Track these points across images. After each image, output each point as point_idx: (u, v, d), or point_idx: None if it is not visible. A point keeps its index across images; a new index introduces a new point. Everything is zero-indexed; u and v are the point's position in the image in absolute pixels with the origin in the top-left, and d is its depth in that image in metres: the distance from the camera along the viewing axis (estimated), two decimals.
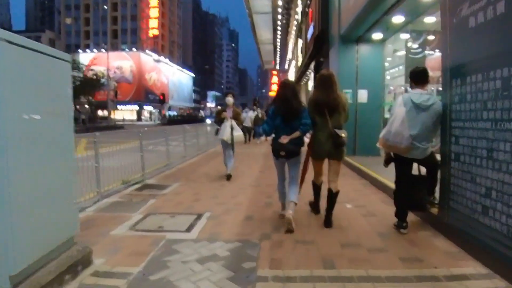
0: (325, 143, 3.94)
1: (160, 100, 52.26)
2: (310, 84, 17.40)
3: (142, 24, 77.05)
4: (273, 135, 4.12)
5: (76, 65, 52.64)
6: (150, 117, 74.59)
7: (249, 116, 15.25)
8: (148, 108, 74.50)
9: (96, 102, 62.03)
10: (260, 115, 15.24)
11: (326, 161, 4.21)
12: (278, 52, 27.03)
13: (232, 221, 4.30)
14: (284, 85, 4.13)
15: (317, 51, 12.47)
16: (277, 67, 35.85)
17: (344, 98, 4.07)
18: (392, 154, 3.93)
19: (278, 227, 4.03)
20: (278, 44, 24.08)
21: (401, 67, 10.25)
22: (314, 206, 4.55)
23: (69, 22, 76.19)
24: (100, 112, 66.61)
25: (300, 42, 19.60)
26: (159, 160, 8.52)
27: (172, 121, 48.79)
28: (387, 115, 9.72)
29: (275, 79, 53.02)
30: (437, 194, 3.92)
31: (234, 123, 6.72)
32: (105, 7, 74.02)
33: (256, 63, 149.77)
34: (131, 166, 6.72)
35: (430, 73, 3.93)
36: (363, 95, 9.22)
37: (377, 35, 8.63)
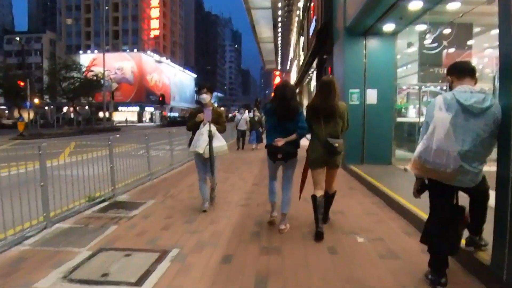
0: (319, 151, 3.83)
1: (159, 101, 51.32)
2: (313, 84, 16.28)
3: (143, 24, 76.26)
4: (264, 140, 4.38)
5: (75, 66, 52.17)
6: (152, 119, 73.76)
7: (243, 118, 13.55)
8: (149, 109, 73.61)
9: (97, 103, 61.46)
10: (256, 118, 13.65)
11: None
12: (280, 51, 25.88)
13: (203, 266, 3.18)
14: (283, 84, 4.05)
15: (320, 47, 11.36)
16: (279, 67, 34.74)
17: (342, 106, 3.92)
18: (426, 179, 2.79)
19: (265, 276, 2.92)
20: (280, 42, 22.94)
21: (413, 65, 9.15)
22: (316, 232, 3.80)
23: (70, 22, 75.65)
24: (101, 114, 65.97)
25: (302, 40, 18.50)
26: (140, 170, 7.43)
27: (172, 122, 47.80)
28: (401, 119, 8.62)
29: (278, 79, 52.19)
30: (484, 234, 2.82)
31: (214, 129, 4.82)
32: (106, 8, 73.43)
33: (259, 64, 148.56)
34: (103, 178, 5.63)
35: None
36: (372, 96, 8.09)
37: (388, 26, 7.50)
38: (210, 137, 4.80)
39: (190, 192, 6.21)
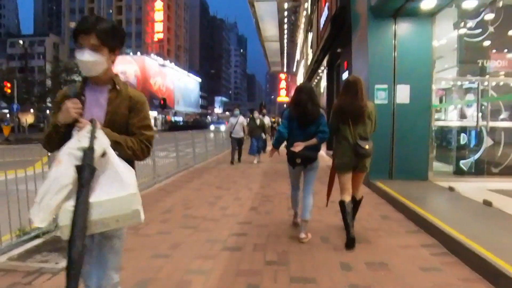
0: (348, 154, 3.62)
1: (160, 105, 49.83)
2: (323, 85, 14.59)
3: (147, 27, 75.31)
4: (284, 143, 3.94)
5: (77, 69, 51.17)
6: (155, 123, 72.50)
7: (239, 122, 10.40)
8: (153, 113, 72.31)
9: None
10: (258, 122, 10.96)
11: None
12: (286, 51, 24.18)
13: None
14: (300, 89, 3.83)
15: (333, 39, 9.70)
16: (285, 69, 33.01)
17: (371, 106, 3.72)
18: None
19: None
20: (285, 41, 21.23)
21: (451, 55, 7.45)
22: (347, 239, 3.55)
23: (73, 26, 74.85)
24: None
25: (310, 36, 16.87)
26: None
27: (174, 127, 46.34)
28: (440, 123, 6.91)
29: (283, 84, 50.61)
30: None
31: (105, 146, 1.53)
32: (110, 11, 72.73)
33: (265, 69, 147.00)
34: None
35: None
36: (403, 93, 6.39)
37: (427, 3, 5.82)
38: (85, 175, 1.46)
39: (163, 222, 4.54)
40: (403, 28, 6.44)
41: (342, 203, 3.65)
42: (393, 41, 6.43)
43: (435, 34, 6.44)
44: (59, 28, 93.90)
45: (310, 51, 16.96)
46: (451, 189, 5.62)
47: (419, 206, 4.57)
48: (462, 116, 7.15)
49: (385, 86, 6.38)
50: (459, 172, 6.98)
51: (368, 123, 3.68)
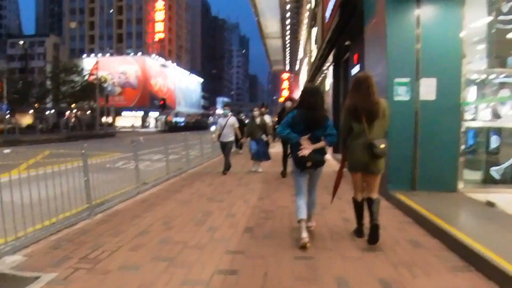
0: (362, 154, 3.51)
1: (160, 106, 48.98)
2: (328, 83, 13.59)
3: (148, 27, 74.51)
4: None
5: (75, 69, 50.46)
6: (156, 124, 71.64)
7: (230, 124, 8.72)
8: (154, 114, 71.39)
9: (100, 108, 59.59)
10: (258, 121, 9.14)
11: None
12: (288, 49, 23.08)
13: None
14: (311, 91, 3.76)
15: (341, 30, 8.71)
16: (287, 67, 31.90)
17: (384, 103, 3.58)
18: None
19: None
20: (288, 38, 20.13)
21: (480, 45, 6.45)
22: (357, 228, 3.81)
23: (74, 26, 74.27)
24: (103, 119, 64.08)
25: (315, 32, 15.89)
26: (81, 197, 4.82)
27: (173, 128, 45.45)
28: (472, 123, 5.90)
29: (285, 84, 49.53)
30: None
31: None
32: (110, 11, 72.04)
33: (267, 70, 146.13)
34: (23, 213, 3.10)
35: None
36: (428, 88, 5.38)
37: None
38: None
39: (133, 250, 3.56)
40: (428, 13, 5.43)
41: (355, 200, 3.78)
42: (416, 27, 5.42)
43: (465, 19, 5.44)
44: (61, 29, 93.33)
45: (314, 47, 15.97)
46: (490, 204, 4.61)
47: (460, 230, 3.57)
48: (495, 115, 6.13)
49: (407, 80, 5.38)
50: (489, 181, 5.96)
51: (382, 120, 3.55)
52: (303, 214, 3.62)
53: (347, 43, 9.15)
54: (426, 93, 5.37)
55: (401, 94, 5.36)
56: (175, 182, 7.56)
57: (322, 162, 3.70)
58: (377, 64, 5.91)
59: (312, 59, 15.88)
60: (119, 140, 22.75)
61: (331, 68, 12.77)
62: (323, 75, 15.09)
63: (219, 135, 8.79)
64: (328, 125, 3.64)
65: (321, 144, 3.60)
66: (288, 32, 19.07)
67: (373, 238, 3.43)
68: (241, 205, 5.47)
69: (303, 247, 3.48)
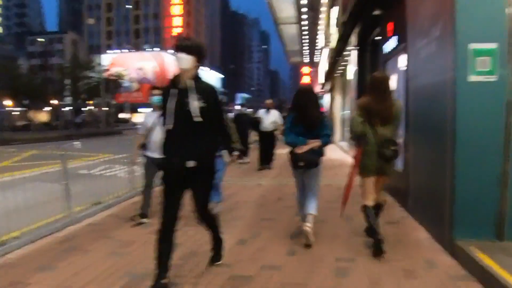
0: (374, 157, 3.41)
1: None
2: (350, 72, 11.22)
3: (166, 22, 73.33)
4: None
5: (91, 66, 49.73)
6: None
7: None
8: None
9: (118, 105, 59.02)
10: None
11: None
12: (307, 38, 20.51)
13: None
14: (303, 92, 3.83)
15: None
16: (305, 59, 29.27)
17: (399, 105, 3.53)
18: None
19: None
20: (305, 24, 17.59)
21: None
22: (375, 245, 3.27)
23: (92, 22, 74.04)
24: (121, 115, 63.59)
25: (335, 12, 13.50)
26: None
27: None
28: None
29: (306, 79, 46.99)
30: None
31: None
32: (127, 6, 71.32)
33: (288, 65, 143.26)
34: None
35: None
36: None
37: None
38: None
39: None
40: None
41: (365, 208, 3.50)
42: None
43: None
44: (82, 26, 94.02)
45: (334, 32, 13.59)
46: None
47: None
48: None
49: (493, 46, 3.06)
50: None
51: (396, 124, 3.51)
52: (302, 211, 3.79)
53: (376, 12, 6.82)
54: None
55: (482, 70, 3.06)
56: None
57: (315, 163, 3.67)
58: (432, 27, 3.63)
59: (331, 45, 13.51)
60: (119, 139, 21.11)
61: (354, 52, 10.41)
62: (344, 63, 12.71)
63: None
64: (325, 124, 3.70)
65: (316, 143, 3.58)
66: (305, 17, 16.69)
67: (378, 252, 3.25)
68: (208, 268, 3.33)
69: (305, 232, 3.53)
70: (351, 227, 4.15)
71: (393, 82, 5.77)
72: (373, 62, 9.10)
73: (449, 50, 3.22)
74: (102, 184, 5.62)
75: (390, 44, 5.63)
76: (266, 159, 8.93)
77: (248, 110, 10.52)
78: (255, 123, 8.99)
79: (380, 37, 7.22)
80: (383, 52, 6.16)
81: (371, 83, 3.55)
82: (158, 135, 3.78)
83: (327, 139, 3.63)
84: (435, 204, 3.64)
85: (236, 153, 3.51)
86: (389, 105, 3.39)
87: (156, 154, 3.91)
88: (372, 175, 3.49)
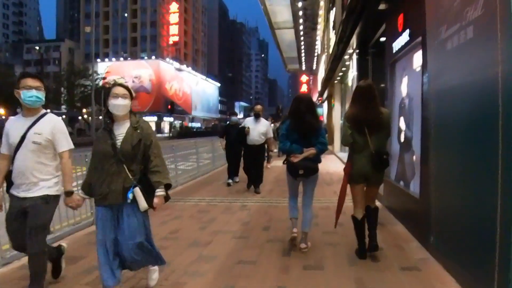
0: (366, 165, 3.44)
1: (168, 110, 46.56)
2: (351, 77, 10.28)
3: (162, 30, 72.82)
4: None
5: (87, 74, 48.89)
6: (171, 129, 69.65)
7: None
8: (168, 119, 69.31)
9: None
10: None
11: None
12: (303, 45, 19.63)
13: None
14: (299, 99, 3.76)
15: None
16: (303, 67, 28.36)
17: (386, 114, 3.52)
18: None
19: None
20: (302, 28, 16.74)
21: None
22: (359, 249, 3.51)
23: (89, 30, 73.46)
24: None
25: (333, 14, 12.62)
26: None
27: (183, 134, 42.79)
28: None
29: (304, 87, 46.39)
30: None
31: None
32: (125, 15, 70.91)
33: (287, 74, 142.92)
34: None
35: None
36: None
37: None
38: None
39: None
40: None
41: (354, 218, 3.55)
42: None
43: None
44: (79, 34, 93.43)
45: (332, 35, 12.70)
46: None
47: None
48: None
49: None
50: None
51: (385, 132, 3.51)
52: (294, 214, 3.82)
53: (381, 7, 5.86)
54: None
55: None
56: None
57: (314, 170, 3.67)
58: (468, 6, 2.66)
59: (330, 50, 12.60)
60: None
61: (354, 57, 9.48)
62: (344, 68, 11.78)
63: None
64: (321, 133, 3.71)
65: (311, 152, 3.57)
66: (301, 21, 15.82)
67: (373, 248, 3.40)
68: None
69: (293, 240, 3.77)
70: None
71: (403, 86, 4.78)
72: (375, 66, 8.18)
73: (499, 34, 2.24)
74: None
75: (400, 41, 4.66)
76: (253, 180, 7.21)
77: (236, 119, 8.27)
78: (240, 134, 7.15)
79: (385, 38, 6.28)
80: (391, 52, 5.18)
81: (356, 92, 3.53)
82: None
83: (322, 147, 3.65)
84: (474, 243, 2.63)
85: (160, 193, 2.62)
86: (376, 114, 3.37)
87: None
88: (361, 183, 3.54)
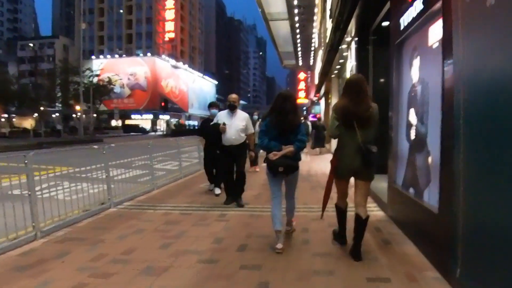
0: (353, 160, 3.37)
1: (161, 107, 45.54)
2: (349, 68, 9.36)
3: (158, 27, 71.67)
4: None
5: (78, 71, 47.91)
6: (167, 127, 68.63)
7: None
8: (164, 117, 68.24)
9: (109, 111, 57.02)
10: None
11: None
12: (299, 38, 18.62)
13: None
14: (281, 97, 3.68)
15: None
16: (300, 62, 27.29)
17: (375, 108, 3.40)
18: None
19: None
20: (298, 20, 15.70)
21: None
22: (339, 235, 3.70)
23: (84, 27, 72.35)
24: (113, 122, 61.51)
25: (329, 3, 11.68)
26: None
27: (177, 132, 41.81)
28: None
29: (302, 85, 45.41)
30: None
31: None
32: (120, 11, 69.80)
33: (285, 71, 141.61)
34: None
35: None
36: None
37: None
38: None
39: None
40: None
41: (338, 207, 3.64)
42: None
43: None
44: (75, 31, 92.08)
45: (328, 25, 11.77)
46: None
47: None
48: None
49: None
50: None
51: (373, 126, 3.39)
52: (278, 226, 3.58)
53: None
54: None
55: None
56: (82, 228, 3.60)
57: (294, 167, 3.65)
58: None
59: (327, 40, 11.68)
60: (92, 149, 19.14)
61: (353, 45, 8.56)
62: (341, 60, 10.86)
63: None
64: (300, 130, 3.66)
65: (290, 150, 3.54)
66: (296, 11, 14.82)
67: (356, 256, 3.26)
68: None
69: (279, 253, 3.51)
70: None
71: (414, 70, 3.84)
72: (376, 56, 7.29)
73: None
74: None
75: (411, 12, 3.72)
76: (233, 192, 5.69)
77: (217, 111, 6.18)
78: (215, 132, 5.62)
79: (388, 22, 5.37)
80: (398, 30, 4.25)
81: (346, 85, 3.50)
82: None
83: (300, 145, 3.62)
84: None
85: None
86: (365, 108, 3.32)
87: None
88: (346, 177, 3.52)
